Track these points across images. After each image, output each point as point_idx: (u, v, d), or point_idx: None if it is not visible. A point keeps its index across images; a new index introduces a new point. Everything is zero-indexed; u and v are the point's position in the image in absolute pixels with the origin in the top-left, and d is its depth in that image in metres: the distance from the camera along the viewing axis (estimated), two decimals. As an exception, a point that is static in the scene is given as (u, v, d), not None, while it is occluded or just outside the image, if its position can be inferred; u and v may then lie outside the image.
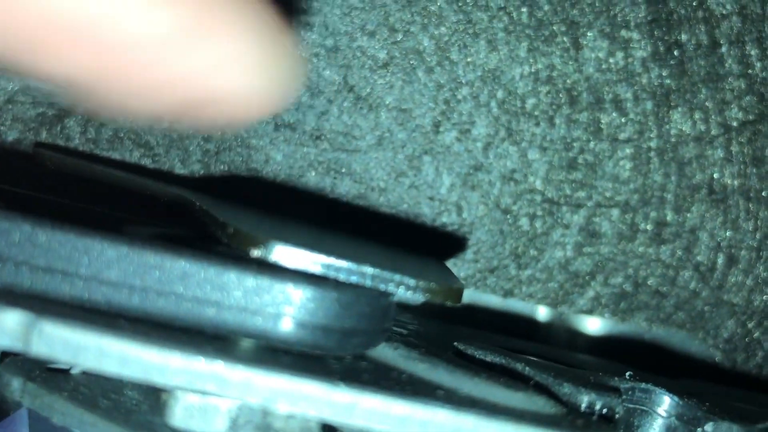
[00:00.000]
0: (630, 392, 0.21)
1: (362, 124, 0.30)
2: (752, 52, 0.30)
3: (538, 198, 0.31)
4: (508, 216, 0.31)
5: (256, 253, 0.19)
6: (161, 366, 0.16)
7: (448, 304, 0.20)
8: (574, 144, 0.30)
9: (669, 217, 0.31)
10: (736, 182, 0.31)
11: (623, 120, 0.30)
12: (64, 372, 0.21)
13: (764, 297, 0.32)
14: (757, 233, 0.31)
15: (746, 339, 0.32)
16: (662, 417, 0.21)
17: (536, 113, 0.30)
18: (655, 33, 0.30)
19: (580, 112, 0.30)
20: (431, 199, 0.30)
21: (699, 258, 0.31)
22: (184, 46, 0.14)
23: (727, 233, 0.31)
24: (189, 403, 0.19)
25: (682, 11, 0.30)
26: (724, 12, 0.30)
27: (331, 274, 0.19)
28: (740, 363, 0.32)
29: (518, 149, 0.30)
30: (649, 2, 0.30)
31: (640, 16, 0.30)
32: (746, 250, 0.31)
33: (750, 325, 0.32)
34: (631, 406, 0.21)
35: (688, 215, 0.31)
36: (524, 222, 0.31)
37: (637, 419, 0.21)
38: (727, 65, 0.30)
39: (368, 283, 0.19)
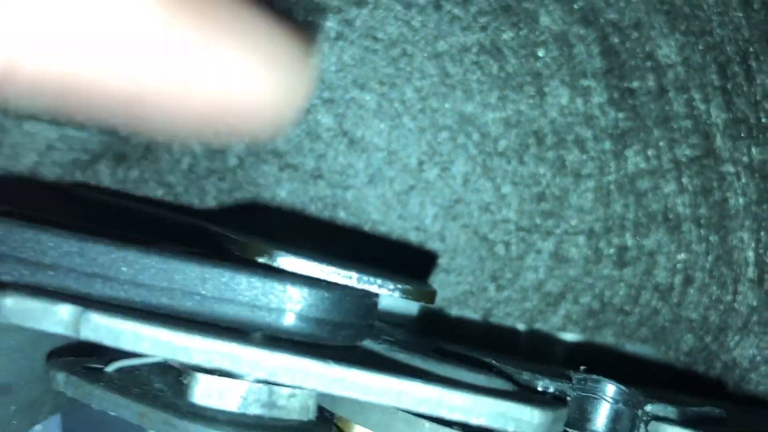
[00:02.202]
0: (582, 382, 0.25)
1: (356, 164, 0.34)
2: (696, 96, 0.34)
3: (512, 227, 0.35)
4: (486, 243, 0.35)
5: (262, 260, 0.23)
6: (186, 347, 0.20)
7: (423, 304, 0.24)
8: (542, 179, 0.34)
9: (629, 243, 0.35)
10: (688, 210, 0.35)
11: (585, 157, 0.34)
12: (100, 369, 0.25)
13: (719, 313, 0.35)
14: (709, 256, 0.35)
15: (704, 352, 0.36)
16: (609, 402, 0.25)
17: (508, 153, 0.34)
18: (610, 81, 0.34)
19: (546, 151, 0.34)
20: (417, 229, 0.34)
21: (658, 279, 0.35)
22: (189, 57, 0.14)
23: (682, 256, 0.35)
24: (207, 384, 0.22)
25: (633, 62, 0.34)
26: (669, 62, 0.34)
27: (324, 276, 0.23)
28: (701, 374, 0.36)
29: (493, 184, 0.34)
30: (604, 55, 0.34)
31: (596, 66, 0.34)
32: (700, 271, 0.35)
33: (707, 340, 0.35)
34: (582, 393, 0.25)
35: (647, 240, 0.35)
36: (500, 248, 0.35)
37: (588, 405, 0.25)
38: (674, 108, 0.34)
39: (354, 284, 0.23)
